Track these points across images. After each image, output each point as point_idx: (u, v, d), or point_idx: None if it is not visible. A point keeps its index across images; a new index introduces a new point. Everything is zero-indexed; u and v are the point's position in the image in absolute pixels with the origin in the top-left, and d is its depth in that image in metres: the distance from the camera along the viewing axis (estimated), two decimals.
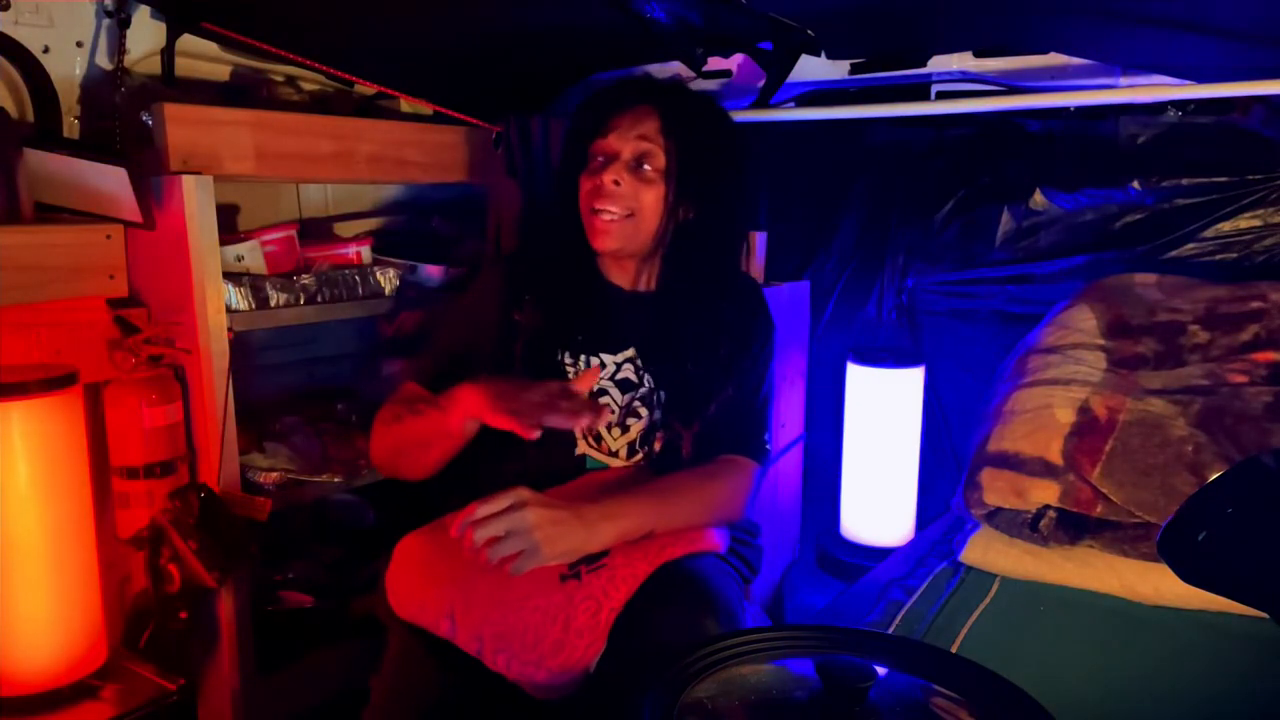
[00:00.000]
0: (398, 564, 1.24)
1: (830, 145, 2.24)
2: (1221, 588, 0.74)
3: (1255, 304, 1.66)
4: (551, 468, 1.34)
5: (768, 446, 1.43)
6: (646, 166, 1.33)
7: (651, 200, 1.33)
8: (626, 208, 1.32)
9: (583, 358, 1.36)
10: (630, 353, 1.38)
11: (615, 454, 1.36)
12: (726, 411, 1.38)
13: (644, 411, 1.36)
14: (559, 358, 1.35)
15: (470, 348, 1.37)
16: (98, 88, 1.62)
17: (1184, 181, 1.85)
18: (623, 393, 1.36)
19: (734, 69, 2.07)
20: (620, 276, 1.41)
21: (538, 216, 1.82)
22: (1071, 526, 1.48)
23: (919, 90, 1.97)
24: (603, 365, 1.37)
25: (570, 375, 1.35)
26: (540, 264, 1.41)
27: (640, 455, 1.37)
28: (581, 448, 1.36)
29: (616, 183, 1.30)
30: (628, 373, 1.37)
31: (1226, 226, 1.83)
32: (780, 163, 2.32)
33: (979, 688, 0.90)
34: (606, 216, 1.32)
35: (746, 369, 1.41)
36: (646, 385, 1.37)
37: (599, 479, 1.34)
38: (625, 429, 1.36)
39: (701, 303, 1.39)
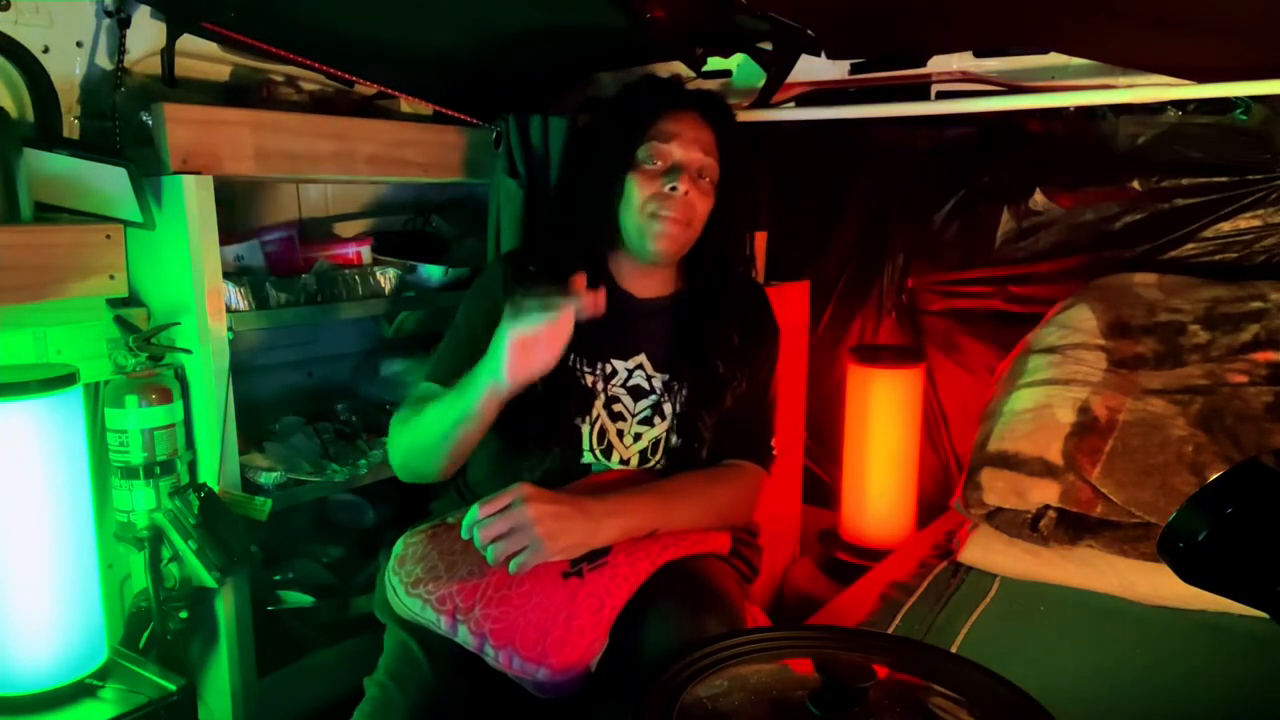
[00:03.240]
0: (398, 562, 1.24)
1: (830, 145, 2.24)
2: (1221, 588, 0.73)
3: (1255, 304, 1.66)
4: (556, 475, 1.34)
5: (773, 452, 1.43)
6: (705, 179, 1.33)
7: (705, 212, 1.34)
8: (687, 217, 1.31)
9: (597, 364, 1.35)
10: (640, 359, 1.37)
11: (626, 463, 1.36)
12: (736, 414, 1.38)
13: (656, 420, 1.36)
14: (572, 364, 1.34)
15: (485, 347, 1.36)
16: (98, 88, 1.61)
17: (1184, 181, 1.85)
18: (634, 400, 1.36)
19: (734, 69, 2.07)
20: (633, 283, 1.40)
21: (544, 217, 1.81)
22: (1071, 526, 1.48)
23: (919, 90, 1.96)
24: (614, 372, 1.36)
25: (586, 382, 1.34)
26: (550, 267, 1.38)
27: (652, 463, 1.36)
28: (589, 457, 1.35)
29: (687, 193, 1.30)
30: (639, 379, 1.37)
31: (1226, 226, 1.83)
32: (780, 163, 2.32)
33: (979, 688, 0.90)
34: (673, 225, 1.30)
35: (755, 369, 1.41)
36: (658, 392, 1.36)
37: (605, 478, 1.34)
38: (637, 437, 1.36)
39: (714, 305, 1.39)
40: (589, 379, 1.34)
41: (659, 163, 1.32)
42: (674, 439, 1.36)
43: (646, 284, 1.40)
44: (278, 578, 1.88)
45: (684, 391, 1.36)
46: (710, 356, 1.37)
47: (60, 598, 1.35)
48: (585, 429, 1.33)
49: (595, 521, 1.16)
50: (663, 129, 1.32)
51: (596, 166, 1.37)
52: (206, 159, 1.51)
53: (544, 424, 1.33)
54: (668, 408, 1.36)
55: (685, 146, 1.31)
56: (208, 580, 1.46)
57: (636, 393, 1.36)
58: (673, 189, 1.29)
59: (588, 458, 1.35)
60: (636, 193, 1.31)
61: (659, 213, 1.30)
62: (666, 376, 1.37)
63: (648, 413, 1.36)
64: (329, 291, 1.75)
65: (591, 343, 1.34)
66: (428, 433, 1.25)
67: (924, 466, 2.19)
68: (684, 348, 1.38)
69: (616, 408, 1.35)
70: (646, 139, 1.32)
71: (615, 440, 1.35)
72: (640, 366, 1.37)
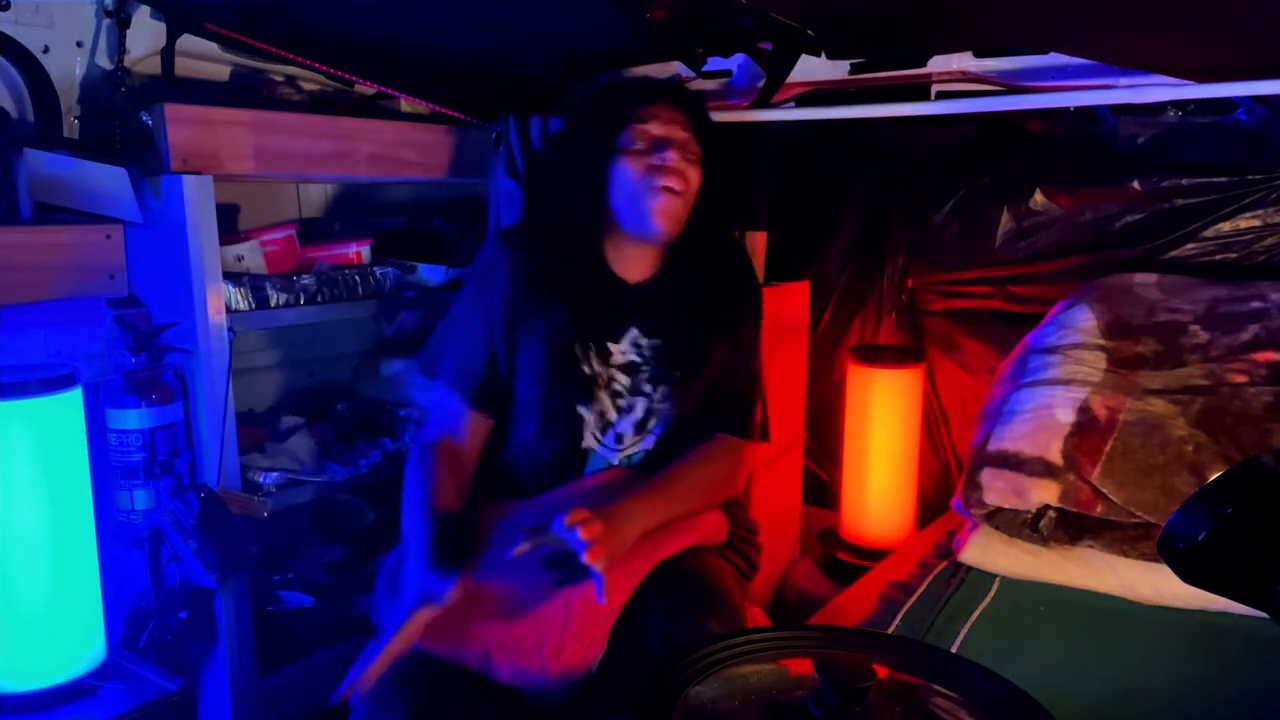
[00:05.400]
0: (391, 583, 1.25)
1: (830, 145, 2.24)
2: (1221, 588, 0.73)
3: (1255, 304, 1.66)
4: (555, 462, 1.35)
5: (758, 421, 1.47)
6: (689, 152, 1.36)
7: (696, 183, 1.37)
8: (683, 185, 1.34)
9: (595, 348, 1.37)
10: (633, 332, 1.39)
11: (620, 438, 1.37)
12: (720, 385, 1.41)
13: (649, 389, 1.37)
14: (575, 351, 1.36)
15: (494, 355, 1.38)
16: (98, 88, 1.61)
17: (1184, 181, 1.85)
18: (628, 376, 1.37)
19: (734, 69, 2.07)
20: (626, 267, 1.41)
21: (539, 214, 1.81)
22: (1071, 526, 1.48)
23: (919, 90, 1.96)
24: (610, 355, 1.37)
25: (585, 371, 1.35)
26: (548, 257, 1.40)
27: (643, 436, 1.37)
28: (589, 440, 1.36)
29: (677, 160, 1.33)
30: (631, 355, 1.38)
31: (1226, 226, 1.83)
32: (780, 163, 2.32)
33: (979, 688, 0.90)
34: (672, 194, 1.32)
35: (740, 329, 1.44)
36: (649, 362, 1.38)
37: (603, 481, 1.34)
38: (630, 408, 1.37)
39: (697, 271, 1.42)
40: (592, 365, 1.35)
41: (642, 143, 1.34)
42: (665, 405, 1.37)
43: (638, 268, 1.42)
44: (278, 578, 1.88)
45: (672, 356, 1.38)
46: (694, 319, 1.40)
47: (60, 598, 1.35)
48: (588, 414, 1.35)
49: (619, 532, 1.19)
50: (638, 115, 1.35)
51: (579, 161, 1.39)
52: (206, 159, 1.51)
53: (550, 416, 1.35)
54: (660, 379, 1.37)
55: (665, 125, 1.35)
56: (207, 580, 1.46)
57: (629, 369, 1.38)
58: (664, 158, 1.32)
59: (588, 441, 1.35)
60: (628, 173, 1.34)
61: (656, 184, 1.32)
62: (657, 342, 1.39)
63: (643, 384, 1.37)
64: (329, 291, 1.75)
65: (590, 329, 1.36)
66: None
67: (924, 466, 2.18)
68: (673, 318, 1.40)
69: (615, 387, 1.36)
70: (626, 125, 1.35)
71: (614, 417, 1.36)
72: (634, 342, 1.38)
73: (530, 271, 1.38)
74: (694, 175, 1.36)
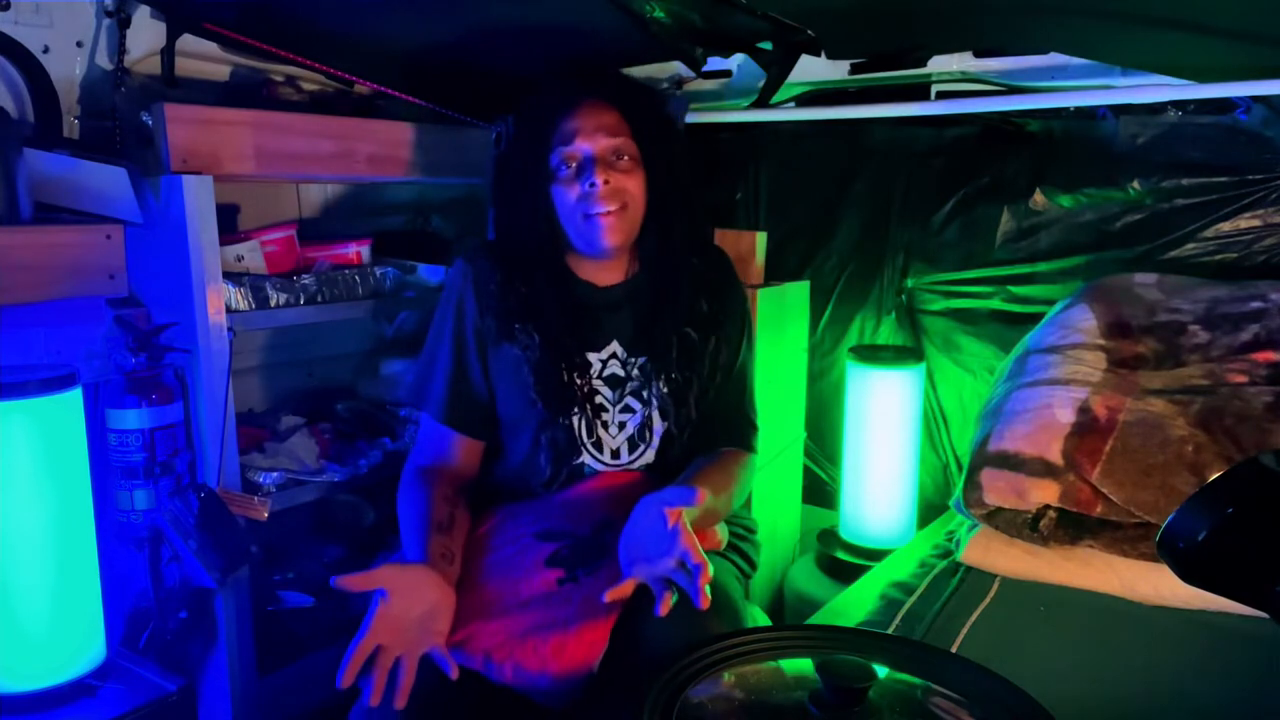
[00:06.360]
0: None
1: (830, 145, 2.24)
2: (1221, 588, 0.73)
3: (1255, 304, 1.66)
4: (552, 479, 1.35)
5: (755, 423, 1.47)
6: (624, 158, 1.32)
7: (638, 189, 1.33)
8: (620, 201, 1.30)
9: (574, 360, 1.35)
10: (613, 346, 1.37)
11: (616, 453, 1.36)
12: (718, 397, 1.40)
13: (638, 405, 1.36)
14: (551, 366, 1.34)
15: (471, 379, 1.37)
16: (98, 88, 1.61)
17: (1184, 181, 1.85)
18: (612, 389, 1.36)
19: (734, 69, 2.07)
20: (593, 274, 1.40)
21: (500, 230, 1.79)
22: (1071, 526, 1.48)
23: (919, 90, 1.96)
24: (589, 365, 1.36)
25: (564, 385, 1.34)
26: (514, 272, 1.38)
27: (640, 450, 1.37)
28: (582, 455, 1.35)
29: (607, 182, 1.28)
30: (614, 369, 1.37)
31: (1226, 226, 1.83)
32: (780, 163, 2.32)
33: (979, 688, 0.90)
34: (607, 216, 1.29)
35: (729, 334, 1.42)
36: (635, 378, 1.37)
37: (604, 485, 1.34)
38: (622, 426, 1.36)
39: (677, 275, 1.39)
40: (571, 378, 1.34)
41: (570, 165, 1.31)
42: (659, 420, 1.36)
43: (607, 274, 1.40)
44: (278, 578, 1.88)
45: (664, 368, 1.36)
46: (682, 326, 1.37)
47: (60, 598, 1.35)
48: (577, 430, 1.34)
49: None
50: (564, 131, 1.31)
51: (522, 190, 1.36)
52: (206, 159, 1.51)
53: (538, 434, 1.34)
54: (648, 391, 1.36)
55: (588, 137, 1.30)
56: (207, 580, 1.46)
57: (613, 382, 1.37)
58: (592, 185, 1.28)
59: (583, 458, 1.35)
60: (564, 200, 1.31)
61: (590, 212, 1.29)
62: (644, 359, 1.37)
63: (629, 400, 1.36)
64: (329, 291, 1.75)
65: (564, 340, 1.35)
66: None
67: (924, 466, 2.19)
68: (655, 325, 1.37)
69: (597, 400, 1.35)
70: (553, 148, 1.31)
71: (602, 433, 1.35)
72: (614, 355, 1.37)
73: (495, 289, 1.35)
74: (633, 182, 1.31)
